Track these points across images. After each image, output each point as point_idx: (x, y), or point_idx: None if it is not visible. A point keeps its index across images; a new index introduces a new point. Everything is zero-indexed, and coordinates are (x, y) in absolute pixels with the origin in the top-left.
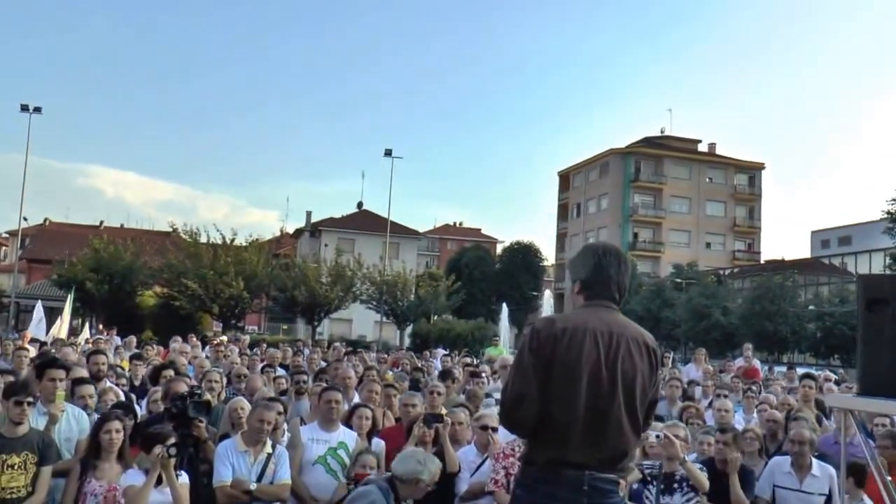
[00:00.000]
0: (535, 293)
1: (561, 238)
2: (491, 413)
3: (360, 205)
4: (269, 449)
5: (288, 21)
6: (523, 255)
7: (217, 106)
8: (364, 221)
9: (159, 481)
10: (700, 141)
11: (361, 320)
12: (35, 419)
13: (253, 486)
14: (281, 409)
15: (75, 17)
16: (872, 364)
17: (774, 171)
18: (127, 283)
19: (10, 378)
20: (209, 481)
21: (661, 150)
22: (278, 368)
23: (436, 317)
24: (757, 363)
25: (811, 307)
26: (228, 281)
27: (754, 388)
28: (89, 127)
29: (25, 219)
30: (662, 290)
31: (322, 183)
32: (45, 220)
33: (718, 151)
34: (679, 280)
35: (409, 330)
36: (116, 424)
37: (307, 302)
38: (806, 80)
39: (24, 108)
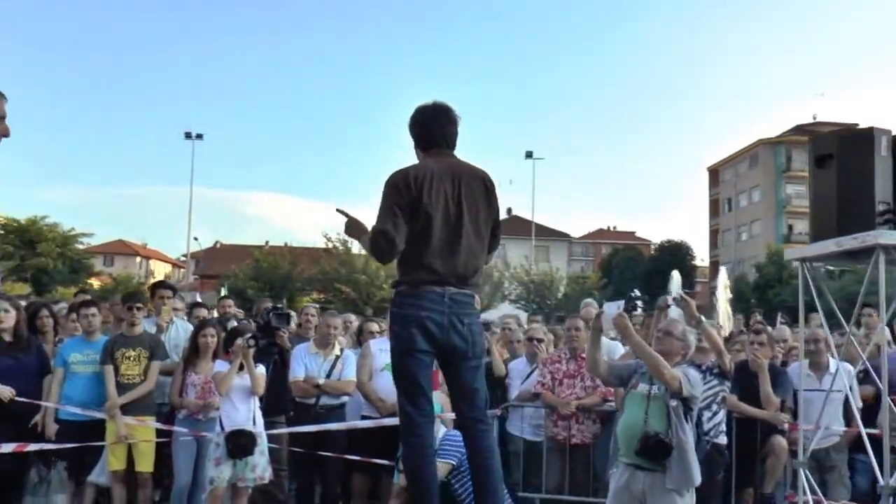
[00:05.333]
0: (688, 291)
1: (713, 235)
2: (537, 327)
3: (509, 210)
4: (337, 352)
5: (421, 39)
6: (674, 253)
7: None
8: (513, 226)
9: (241, 369)
10: (857, 125)
11: None
12: (150, 327)
13: (321, 381)
14: (349, 319)
15: (238, 44)
16: (820, 214)
17: None
18: (285, 290)
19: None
20: None
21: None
22: None
23: None
24: None
25: None
26: (380, 284)
27: None
28: (247, 152)
29: (196, 238)
30: (815, 279)
31: None
32: (216, 242)
33: None
34: (832, 269)
35: None
36: (211, 330)
37: None
38: None
39: (188, 135)
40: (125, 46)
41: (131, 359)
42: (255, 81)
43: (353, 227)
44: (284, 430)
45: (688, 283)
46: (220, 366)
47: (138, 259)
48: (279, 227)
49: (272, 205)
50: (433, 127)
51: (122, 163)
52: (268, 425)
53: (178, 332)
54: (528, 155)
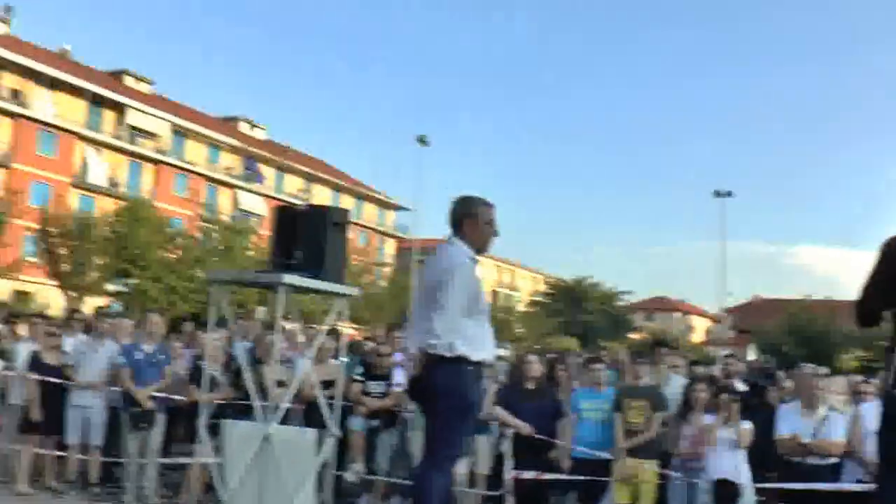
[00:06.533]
0: None
1: None
2: None
3: None
4: (824, 412)
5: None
6: None
7: None
8: None
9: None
10: None
11: None
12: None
13: (806, 441)
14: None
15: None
16: None
17: None
18: (823, 346)
19: None
20: None
21: None
22: None
23: None
24: None
25: None
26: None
27: None
28: (786, 205)
29: (731, 293)
30: None
31: None
32: (753, 295)
33: None
34: None
35: None
36: (702, 385)
37: None
38: None
39: (717, 193)
40: (653, 112)
41: (636, 408)
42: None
43: None
44: (771, 485)
45: None
46: (710, 419)
47: (677, 314)
48: (822, 280)
49: (815, 257)
50: None
51: (654, 222)
52: (757, 479)
53: (673, 386)
54: None
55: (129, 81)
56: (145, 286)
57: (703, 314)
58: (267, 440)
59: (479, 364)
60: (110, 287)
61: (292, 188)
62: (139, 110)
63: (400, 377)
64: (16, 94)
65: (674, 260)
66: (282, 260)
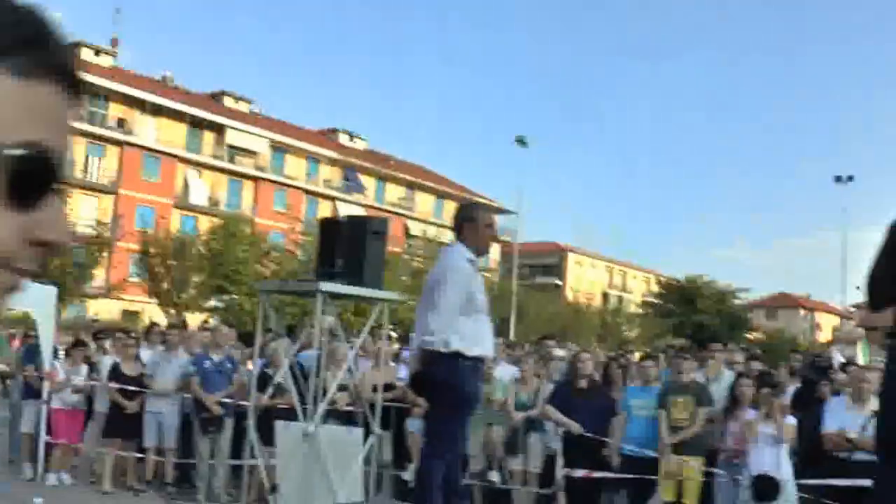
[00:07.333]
0: None
1: None
2: None
3: None
4: (874, 407)
5: None
6: None
7: None
8: None
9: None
10: None
11: None
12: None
13: (853, 436)
14: None
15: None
16: None
17: None
18: None
19: None
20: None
21: None
22: None
23: None
24: None
25: None
26: None
27: None
28: None
29: (858, 287)
30: None
31: None
32: None
33: None
34: None
35: None
36: (748, 381)
37: None
38: None
39: (839, 178)
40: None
41: (680, 404)
42: None
43: None
44: (814, 482)
45: None
46: (752, 414)
47: (802, 311)
48: None
49: None
50: None
51: (774, 213)
52: (800, 475)
53: (725, 382)
54: None
55: (228, 102)
56: (241, 301)
57: (830, 311)
58: (314, 438)
59: (475, 359)
60: (209, 303)
61: (394, 197)
62: (238, 129)
63: (403, 372)
64: (121, 123)
65: (799, 254)
66: (324, 268)
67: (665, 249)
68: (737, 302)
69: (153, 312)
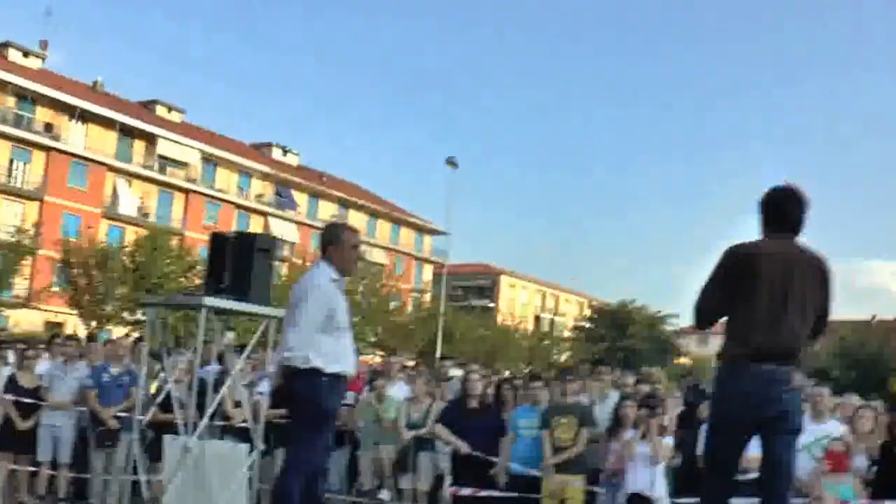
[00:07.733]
0: None
1: None
2: None
3: None
4: None
5: None
6: None
7: None
8: None
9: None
10: None
11: None
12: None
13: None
14: None
15: None
16: None
17: None
18: (875, 371)
19: None
20: None
21: None
22: None
23: None
24: None
25: None
26: None
27: None
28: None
29: None
30: None
31: None
32: None
33: None
34: None
35: None
36: (630, 402)
37: None
38: None
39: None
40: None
41: (563, 425)
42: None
43: None
44: (689, 501)
45: None
46: (633, 434)
47: None
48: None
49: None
50: (780, 210)
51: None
52: (677, 494)
53: (610, 403)
54: None
55: (160, 111)
56: (164, 314)
57: None
58: (195, 453)
59: (334, 376)
60: (131, 316)
61: (326, 214)
62: (169, 139)
63: (264, 387)
64: (49, 128)
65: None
66: (213, 283)
67: (599, 273)
68: (667, 328)
69: (76, 324)
